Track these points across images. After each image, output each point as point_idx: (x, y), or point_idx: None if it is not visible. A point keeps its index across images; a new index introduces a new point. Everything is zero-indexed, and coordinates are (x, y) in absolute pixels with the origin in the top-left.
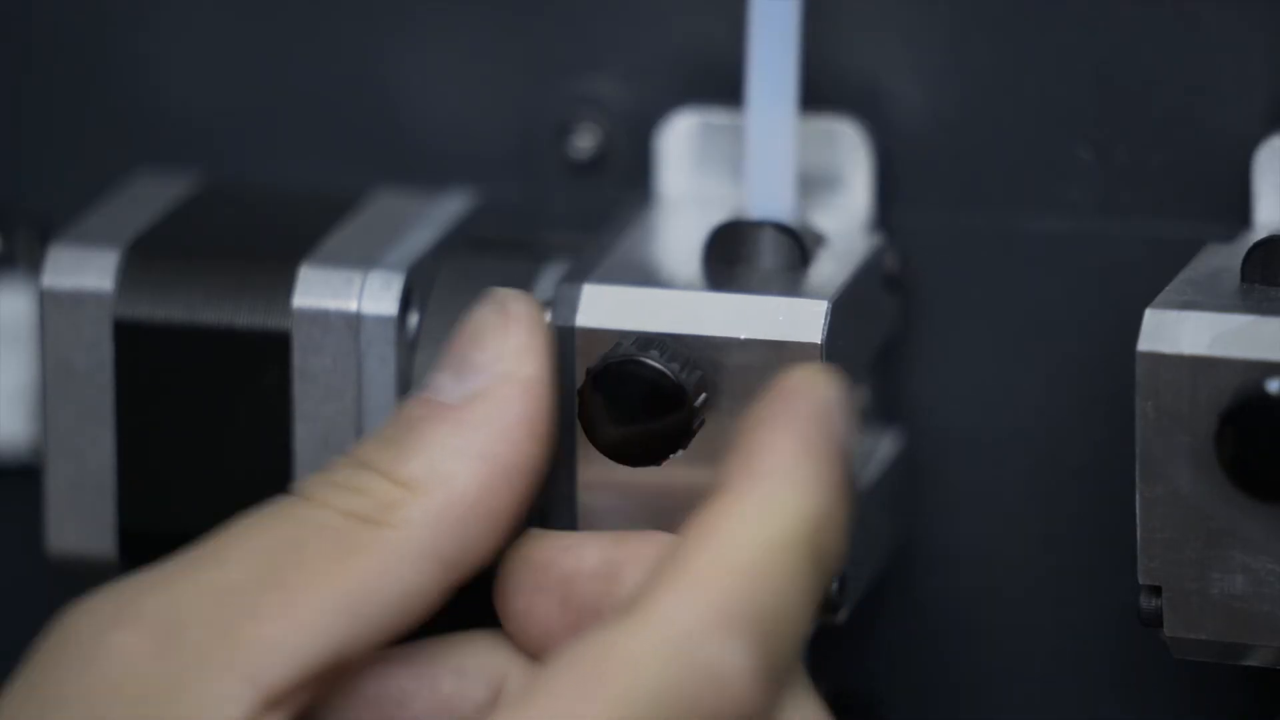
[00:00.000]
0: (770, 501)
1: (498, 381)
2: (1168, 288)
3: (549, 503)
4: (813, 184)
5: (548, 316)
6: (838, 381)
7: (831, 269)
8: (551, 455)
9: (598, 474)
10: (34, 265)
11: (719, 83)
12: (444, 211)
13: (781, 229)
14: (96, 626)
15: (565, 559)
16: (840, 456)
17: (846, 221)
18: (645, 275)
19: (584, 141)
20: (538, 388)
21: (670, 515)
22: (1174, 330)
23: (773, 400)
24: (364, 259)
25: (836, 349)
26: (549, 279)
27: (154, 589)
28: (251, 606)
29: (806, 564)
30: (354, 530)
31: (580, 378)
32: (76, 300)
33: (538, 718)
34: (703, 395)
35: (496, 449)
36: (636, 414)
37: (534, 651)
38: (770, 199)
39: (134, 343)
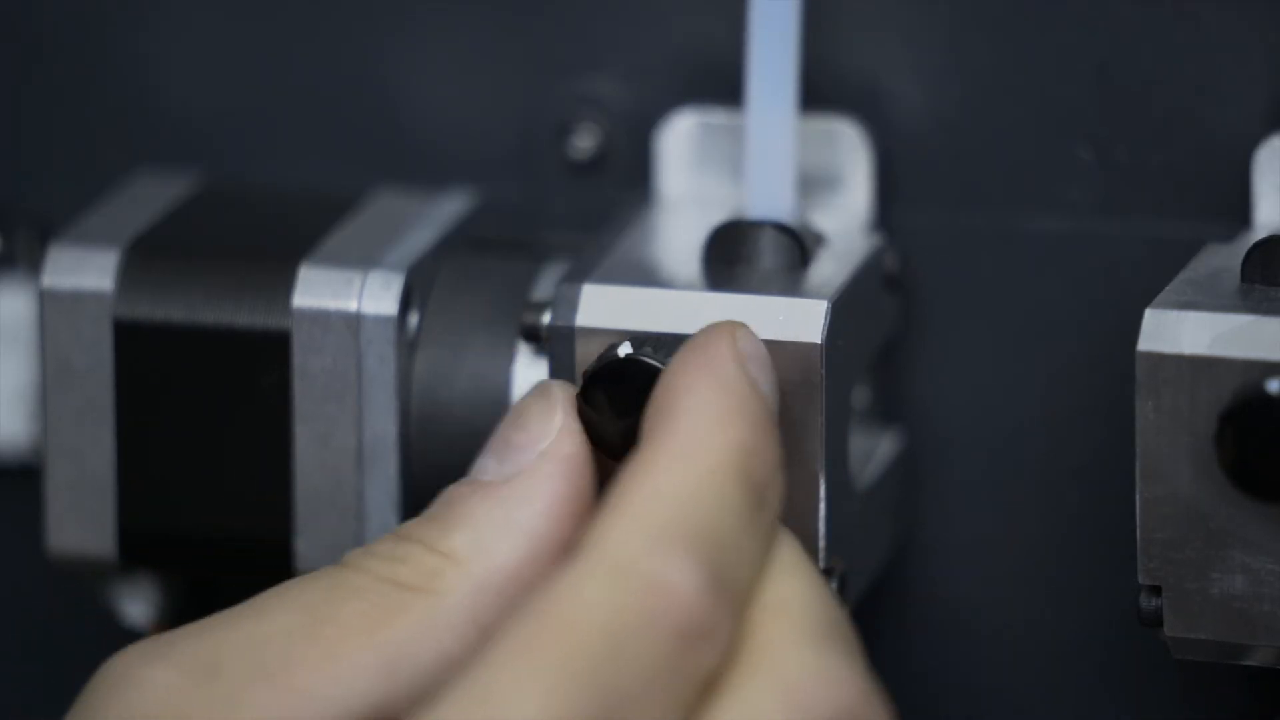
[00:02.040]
0: (693, 435)
1: (539, 459)
2: (1168, 288)
3: None
4: (813, 184)
5: (547, 317)
6: (748, 331)
7: (831, 269)
8: None
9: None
10: (34, 265)
11: (719, 83)
12: (444, 211)
13: (781, 229)
14: (136, 664)
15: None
16: (760, 395)
17: (846, 221)
18: (645, 275)
19: (584, 141)
20: (578, 465)
21: None
22: (1174, 330)
23: (686, 351)
24: (364, 259)
25: (836, 349)
26: (549, 279)
27: (194, 635)
28: (289, 656)
29: (738, 487)
30: (394, 594)
31: (580, 378)
32: (76, 300)
33: (493, 664)
34: None
35: (537, 524)
36: (636, 411)
37: None
38: (770, 199)
39: (134, 343)
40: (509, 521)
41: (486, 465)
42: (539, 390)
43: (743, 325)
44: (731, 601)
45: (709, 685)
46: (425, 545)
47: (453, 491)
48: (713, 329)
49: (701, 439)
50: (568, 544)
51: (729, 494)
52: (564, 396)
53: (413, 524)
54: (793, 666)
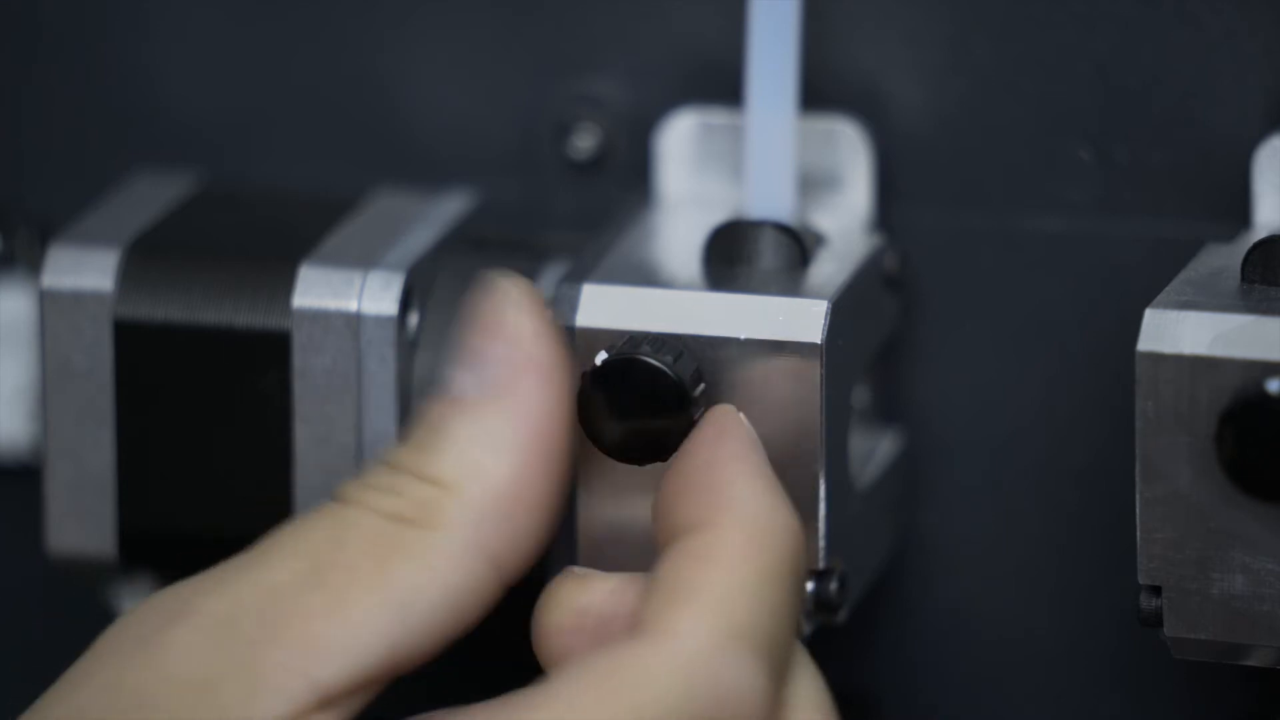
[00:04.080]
0: (758, 528)
1: (514, 370)
2: (1168, 288)
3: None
4: (813, 184)
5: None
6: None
7: (831, 269)
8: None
9: (598, 475)
10: (34, 265)
11: (719, 83)
12: (444, 211)
13: (781, 229)
14: (153, 624)
15: (605, 601)
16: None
17: (846, 221)
18: (645, 275)
19: (584, 141)
20: (555, 370)
21: None
22: (1174, 330)
23: (712, 439)
24: (364, 259)
25: (836, 349)
26: (549, 279)
27: (207, 590)
28: (299, 608)
29: (794, 581)
30: (395, 531)
31: (579, 378)
32: (76, 300)
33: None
34: (701, 385)
35: (524, 437)
36: (636, 412)
37: None
38: (770, 199)
39: (134, 343)
40: (497, 439)
41: (463, 380)
42: (501, 293)
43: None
44: (779, 707)
45: None
46: (417, 475)
47: (433, 411)
48: (722, 414)
49: (766, 528)
50: (555, 455)
51: (789, 590)
52: (523, 297)
53: (399, 450)
54: None
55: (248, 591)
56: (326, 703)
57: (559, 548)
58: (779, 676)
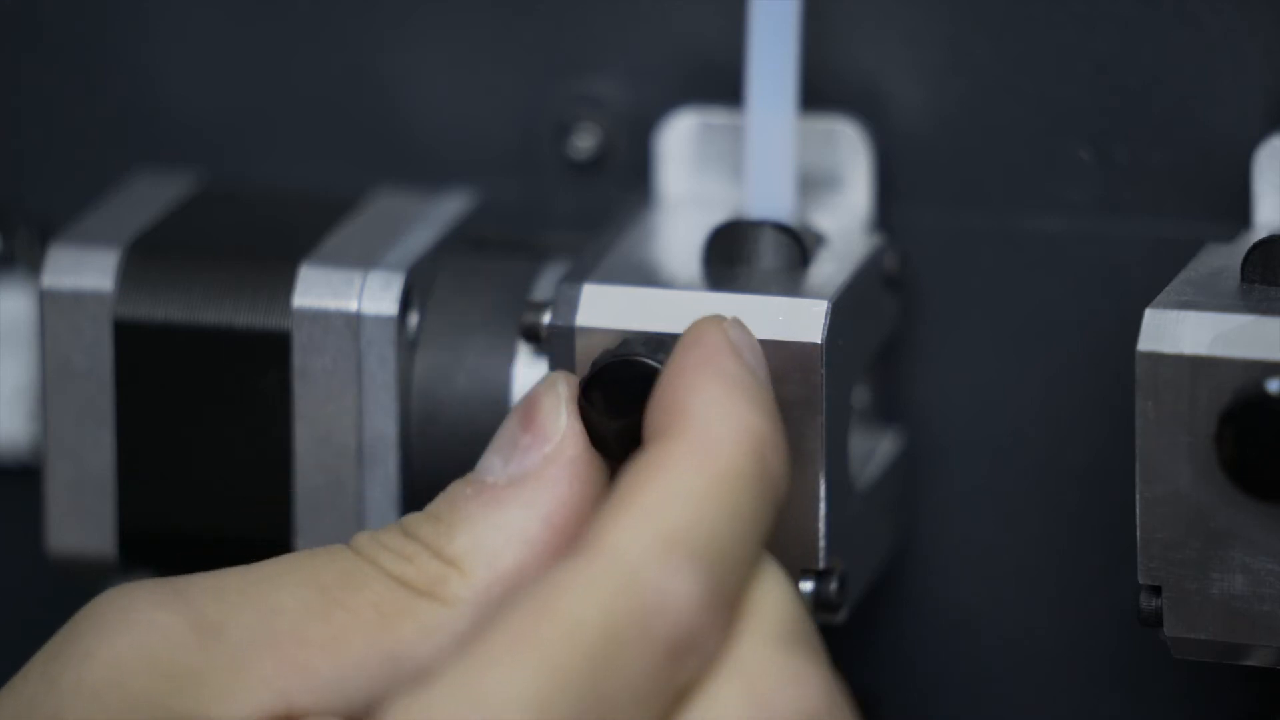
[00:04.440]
0: (706, 431)
1: (544, 463)
2: (1168, 288)
3: None
4: (813, 184)
5: (547, 317)
6: (737, 321)
7: (831, 269)
8: None
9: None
10: (34, 265)
11: (719, 83)
12: (444, 211)
13: (781, 229)
14: (141, 603)
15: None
16: (762, 385)
17: (846, 221)
18: (645, 275)
19: (584, 141)
20: (584, 468)
21: None
22: (1174, 330)
23: (683, 349)
24: (364, 259)
25: (836, 349)
26: (549, 279)
27: (204, 589)
28: (299, 632)
29: (753, 491)
30: (402, 594)
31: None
32: (76, 300)
33: (488, 651)
34: None
35: (540, 530)
36: (635, 411)
37: None
38: (770, 199)
39: (134, 343)
40: (512, 527)
41: (493, 464)
42: (546, 384)
43: (732, 318)
44: (725, 613)
45: (685, 687)
46: (430, 549)
47: (457, 491)
48: (702, 323)
49: (716, 434)
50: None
51: (742, 499)
52: (570, 393)
53: (418, 521)
54: (760, 668)
55: (248, 604)
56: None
57: None
58: (724, 584)
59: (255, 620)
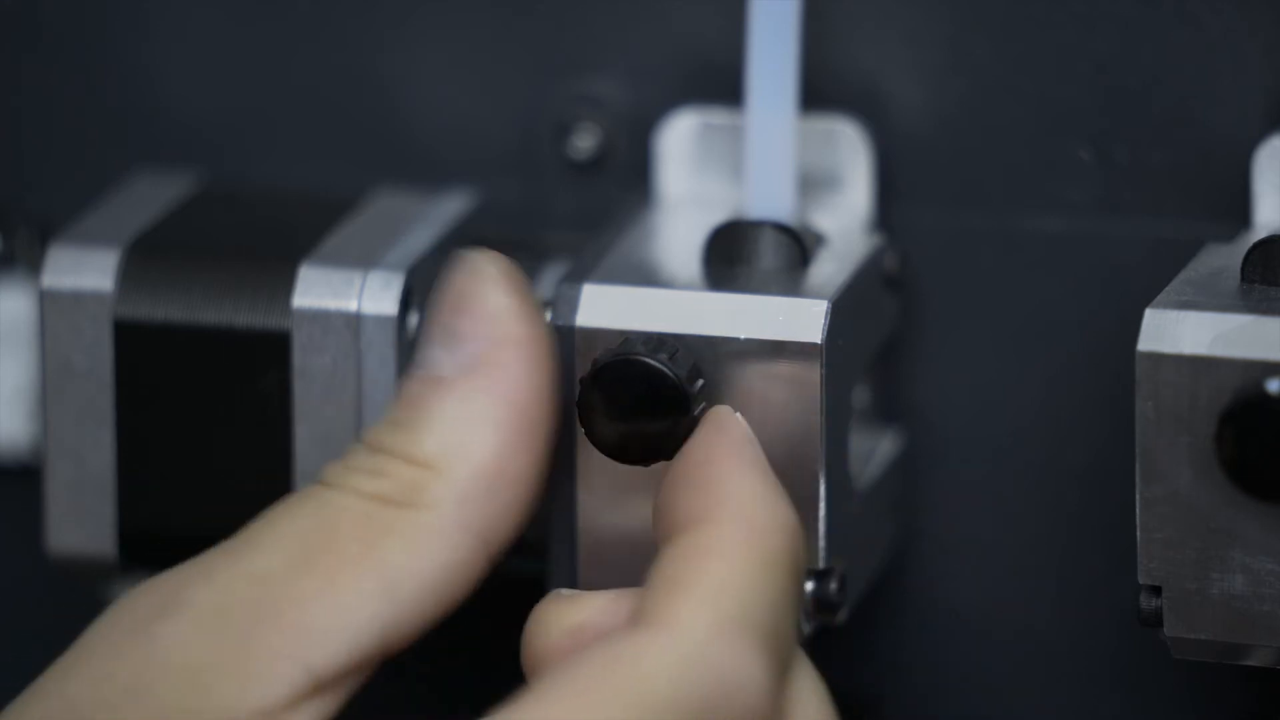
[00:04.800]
0: (756, 525)
1: (491, 347)
2: (1168, 288)
3: (549, 508)
4: (813, 184)
5: (547, 316)
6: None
7: (831, 269)
8: (560, 407)
9: (598, 474)
10: (34, 265)
11: (719, 83)
12: (444, 211)
13: (781, 229)
14: (143, 616)
15: (600, 616)
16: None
17: (846, 221)
18: (645, 275)
19: (584, 141)
20: (531, 345)
21: None
22: (1174, 330)
23: (707, 433)
24: (364, 259)
25: (836, 349)
26: (549, 279)
27: (196, 579)
28: (291, 593)
29: (794, 575)
30: (382, 513)
31: (580, 378)
32: (76, 300)
33: (552, 710)
34: (699, 382)
35: (505, 413)
36: (634, 412)
37: None
38: (770, 199)
39: (134, 343)
40: (479, 417)
41: (436, 357)
42: (468, 269)
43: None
44: (781, 699)
45: None
46: (401, 456)
47: (413, 390)
48: (721, 413)
49: (764, 523)
50: (538, 429)
51: (788, 583)
52: (495, 271)
53: (381, 430)
54: None
55: (238, 580)
56: (321, 687)
57: (560, 551)
58: (780, 670)
59: (250, 594)
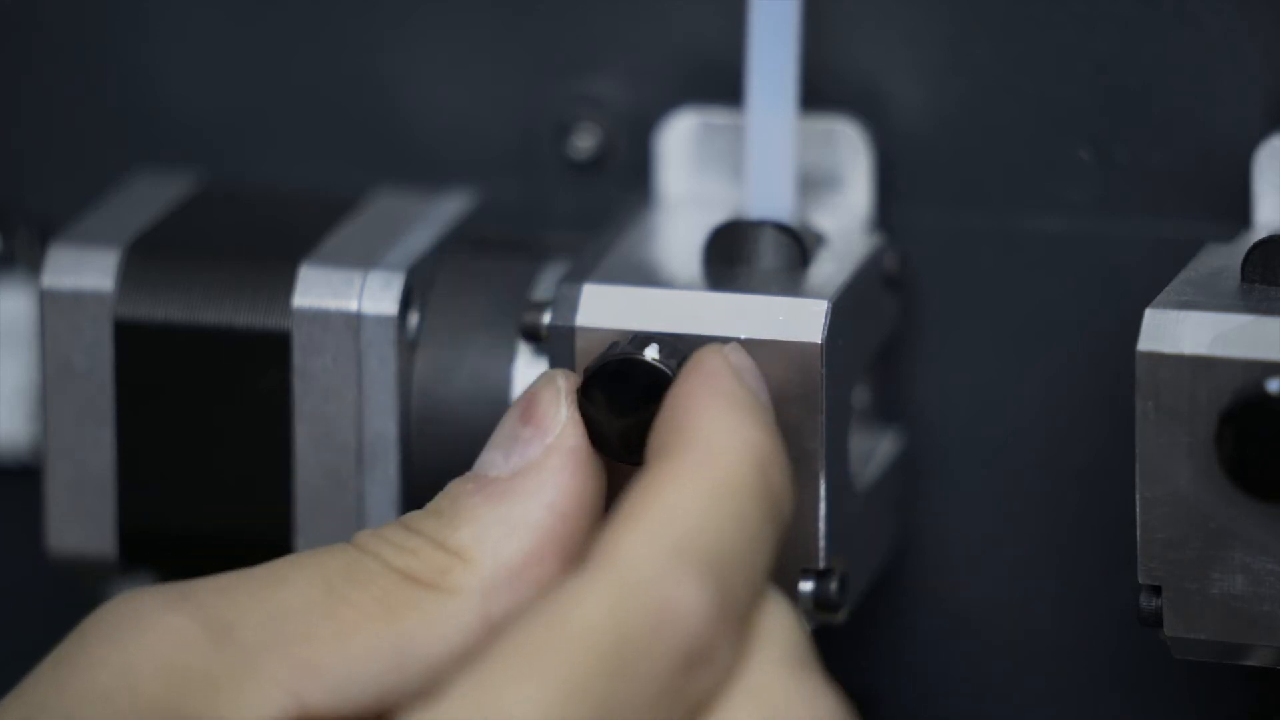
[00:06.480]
0: (711, 451)
1: (545, 453)
2: (1168, 288)
3: None
4: (813, 184)
5: (547, 317)
6: (737, 346)
7: (831, 269)
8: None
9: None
10: (34, 265)
11: (719, 83)
12: (444, 211)
13: (781, 229)
14: (152, 606)
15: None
16: (762, 405)
17: (846, 221)
18: (645, 275)
19: (584, 141)
20: (584, 457)
21: None
22: (1174, 330)
23: (685, 375)
24: (364, 259)
25: (836, 349)
26: (549, 279)
27: (213, 591)
28: (306, 630)
29: (757, 503)
30: (408, 587)
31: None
32: (76, 300)
33: (499, 663)
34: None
35: (543, 519)
36: (635, 411)
37: None
38: (770, 199)
39: (134, 343)
40: (515, 518)
41: (494, 460)
42: (544, 380)
43: (732, 344)
44: (736, 625)
45: (699, 705)
46: (433, 541)
47: (458, 488)
48: (703, 350)
49: (718, 448)
50: (574, 540)
51: (747, 510)
52: (569, 387)
53: (420, 516)
54: (775, 691)
55: (257, 605)
56: None
57: None
58: (733, 598)
59: (264, 620)
